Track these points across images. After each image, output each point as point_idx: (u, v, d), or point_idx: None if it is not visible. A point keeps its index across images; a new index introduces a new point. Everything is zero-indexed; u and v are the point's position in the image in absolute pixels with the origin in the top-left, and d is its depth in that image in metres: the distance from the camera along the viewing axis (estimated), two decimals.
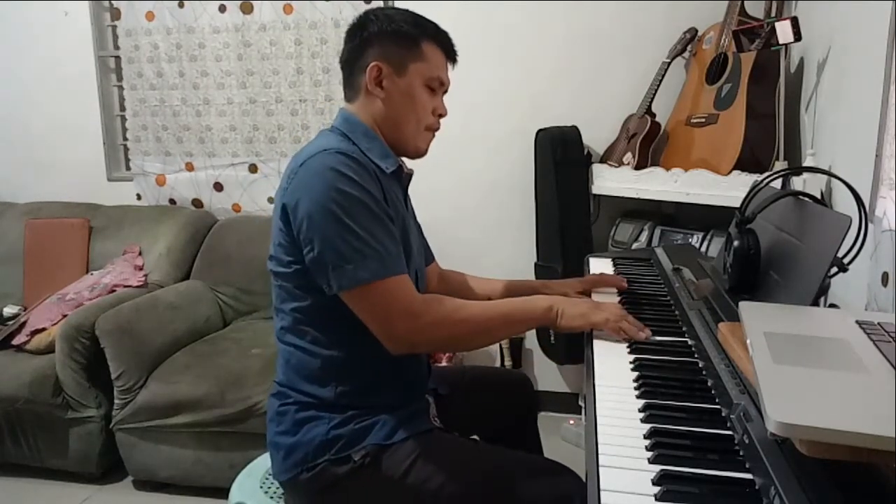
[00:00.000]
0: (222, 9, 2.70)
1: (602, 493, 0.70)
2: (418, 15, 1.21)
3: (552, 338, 2.48)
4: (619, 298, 1.36)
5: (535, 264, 2.52)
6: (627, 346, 1.11)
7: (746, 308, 0.92)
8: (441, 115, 1.24)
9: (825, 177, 1.48)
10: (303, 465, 1.12)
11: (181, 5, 2.73)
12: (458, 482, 1.10)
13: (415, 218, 1.38)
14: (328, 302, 1.09)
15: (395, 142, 1.22)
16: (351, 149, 1.11)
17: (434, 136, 1.26)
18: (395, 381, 1.18)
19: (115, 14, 2.81)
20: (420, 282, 1.28)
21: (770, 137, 1.87)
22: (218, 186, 2.87)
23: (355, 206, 1.05)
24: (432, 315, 1.08)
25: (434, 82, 1.21)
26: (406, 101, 1.19)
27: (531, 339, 2.66)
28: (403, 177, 1.26)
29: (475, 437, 1.44)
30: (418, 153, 1.25)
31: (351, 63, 1.21)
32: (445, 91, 1.26)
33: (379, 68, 1.16)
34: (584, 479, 0.99)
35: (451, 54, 1.24)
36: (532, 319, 1.18)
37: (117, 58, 2.89)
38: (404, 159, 1.26)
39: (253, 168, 2.81)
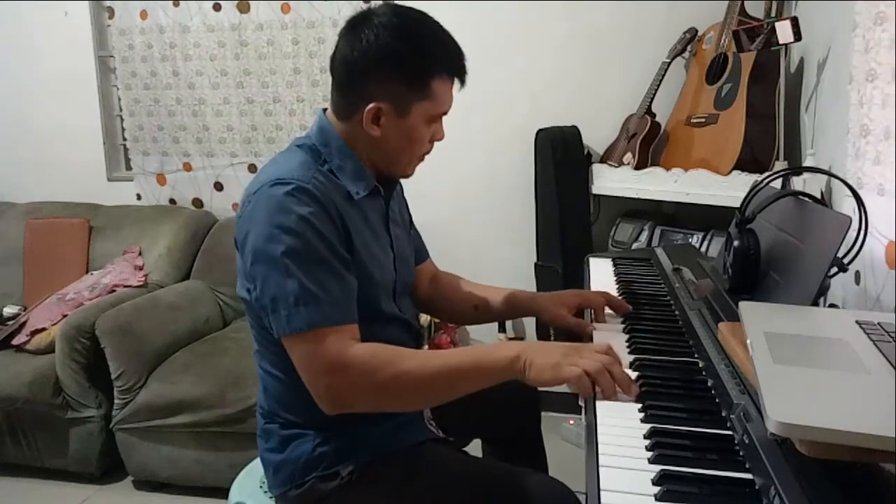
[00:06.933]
0: (217, 7, 2.69)
1: (602, 493, 0.70)
2: (427, 30, 1.08)
3: (552, 338, 2.48)
4: (621, 319, 1.26)
5: (535, 264, 2.52)
6: (627, 346, 1.11)
7: (746, 308, 0.92)
8: (438, 139, 1.15)
9: (825, 177, 1.48)
10: (291, 482, 1.11)
11: (176, 4, 2.72)
12: (448, 499, 1.07)
13: (410, 223, 1.34)
14: None
15: (381, 167, 1.14)
16: (308, 176, 1.03)
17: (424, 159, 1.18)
18: None
19: (110, 13, 2.81)
20: (405, 290, 1.24)
21: (770, 137, 1.87)
22: (218, 186, 2.87)
23: (299, 247, 0.98)
24: (361, 368, 0.97)
25: (438, 118, 1.11)
26: (404, 140, 1.10)
27: (531, 339, 2.66)
28: (383, 193, 1.18)
29: (476, 440, 1.43)
30: (405, 177, 1.18)
31: (346, 85, 1.09)
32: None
33: (379, 108, 1.05)
34: (579, 497, 0.97)
35: (462, 80, 1.12)
36: (493, 372, 1.01)
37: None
38: None
39: (252, 168, 2.81)
